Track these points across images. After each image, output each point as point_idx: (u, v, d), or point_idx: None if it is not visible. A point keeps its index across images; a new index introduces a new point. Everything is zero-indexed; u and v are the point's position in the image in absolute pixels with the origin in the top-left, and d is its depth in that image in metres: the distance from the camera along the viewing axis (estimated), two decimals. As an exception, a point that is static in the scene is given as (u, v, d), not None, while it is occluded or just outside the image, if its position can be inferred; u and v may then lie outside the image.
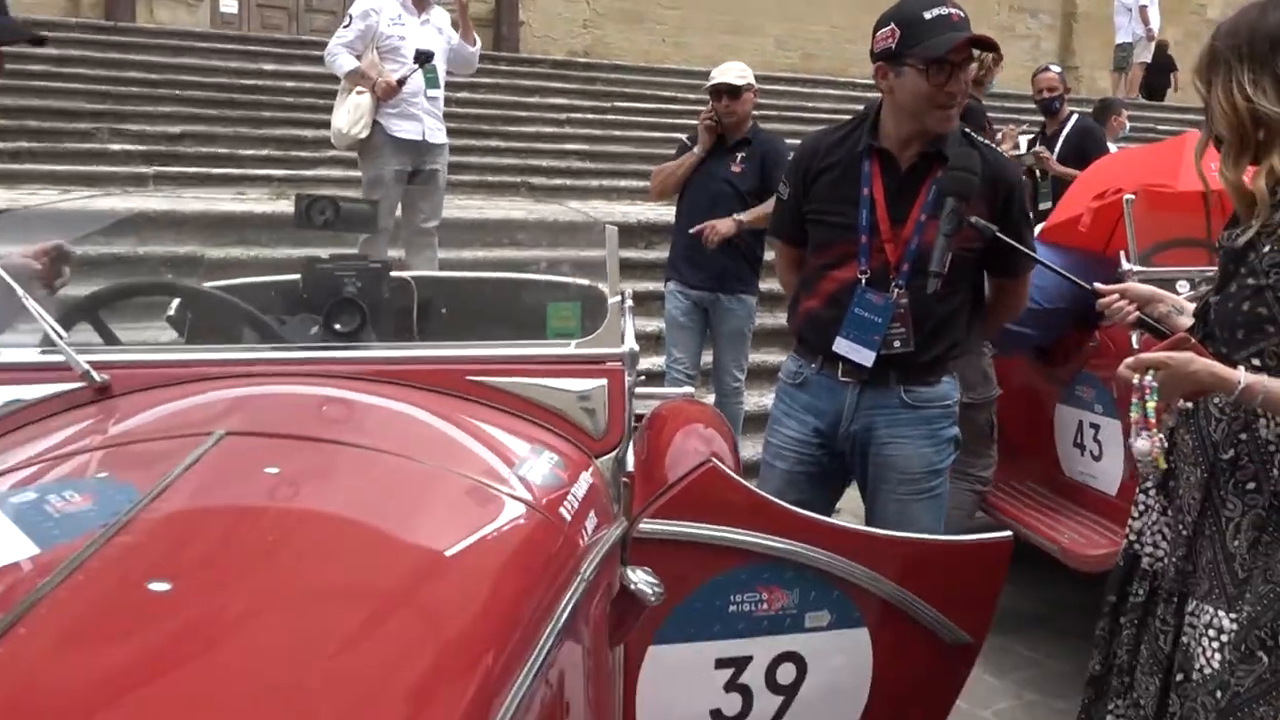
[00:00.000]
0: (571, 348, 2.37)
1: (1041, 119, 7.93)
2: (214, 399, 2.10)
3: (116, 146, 9.08)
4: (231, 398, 2.11)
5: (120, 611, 1.35)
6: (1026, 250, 3.17)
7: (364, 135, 6.63)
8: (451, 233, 6.87)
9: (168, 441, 1.88)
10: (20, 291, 2.26)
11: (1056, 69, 8.09)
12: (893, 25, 3.07)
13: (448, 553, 1.76)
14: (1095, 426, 4.52)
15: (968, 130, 3.31)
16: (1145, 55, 16.08)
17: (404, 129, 6.68)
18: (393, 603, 1.56)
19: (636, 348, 2.37)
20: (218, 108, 10.23)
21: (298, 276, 2.70)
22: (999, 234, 3.04)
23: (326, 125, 7.22)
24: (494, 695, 1.46)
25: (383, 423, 2.09)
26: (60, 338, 2.21)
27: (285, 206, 7.63)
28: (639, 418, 3.03)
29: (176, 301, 3.01)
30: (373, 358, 2.33)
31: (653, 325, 6.68)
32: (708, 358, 5.91)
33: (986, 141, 3.54)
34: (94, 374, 2.16)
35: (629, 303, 2.38)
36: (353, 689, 1.31)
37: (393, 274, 2.73)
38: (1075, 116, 7.73)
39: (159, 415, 2.05)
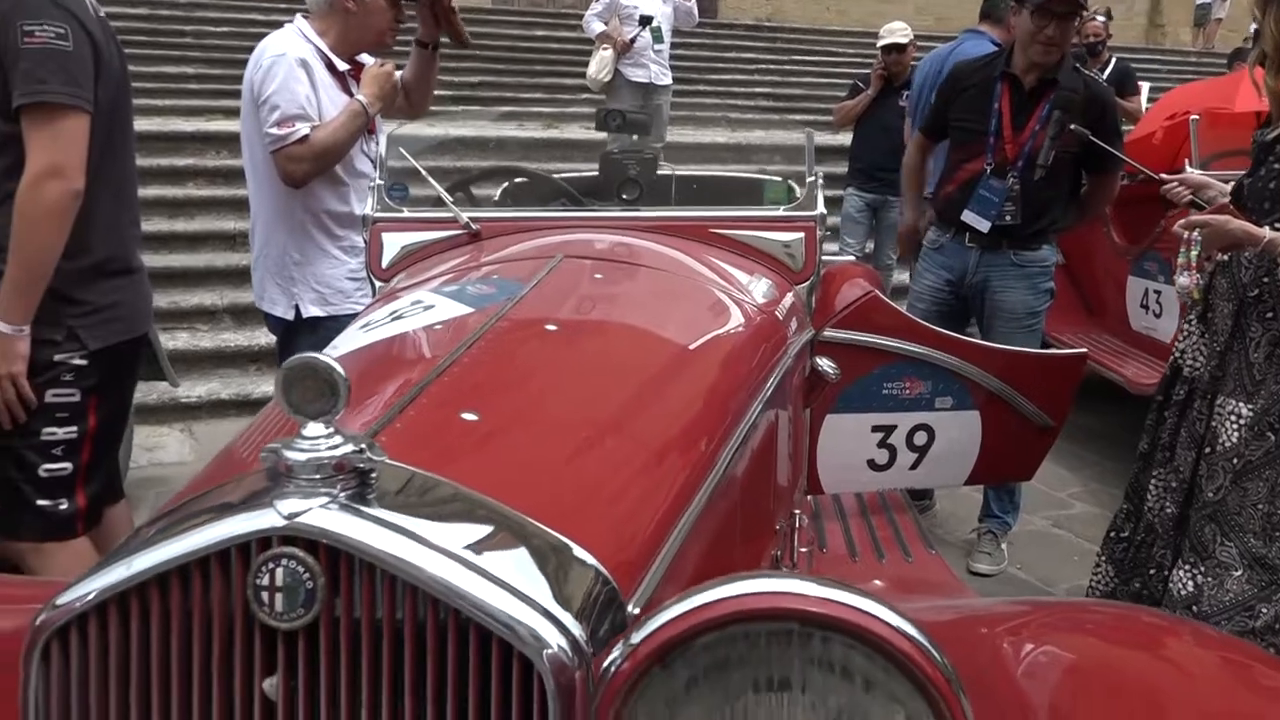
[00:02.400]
0: (780, 211, 2.45)
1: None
2: (551, 240, 2.31)
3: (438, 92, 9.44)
4: (561, 239, 2.33)
5: (514, 358, 1.53)
6: (1114, 151, 3.24)
7: (608, 79, 6.93)
8: (671, 152, 7.04)
9: (529, 261, 2.12)
10: (425, 172, 2.43)
11: (1102, 18, 7.59)
12: None
13: (705, 331, 1.92)
14: (1158, 292, 4.48)
15: (1077, 65, 3.39)
16: (1221, 12, 14.80)
17: (636, 74, 6.93)
18: (663, 362, 1.73)
19: (825, 212, 2.50)
20: (503, 64, 10.51)
21: (596, 169, 2.93)
22: (1093, 138, 3.12)
23: (582, 74, 7.48)
24: (732, 427, 1.63)
25: (659, 254, 2.25)
26: (450, 200, 2.41)
27: (555, 133, 7.92)
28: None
29: (506, 183, 3.29)
30: (648, 216, 2.43)
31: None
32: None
33: (1089, 73, 3.59)
34: (471, 224, 2.33)
35: (820, 181, 2.53)
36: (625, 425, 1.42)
37: (660, 160, 2.94)
38: (1115, 59, 7.33)
39: (519, 248, 2.25)
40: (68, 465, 2.25)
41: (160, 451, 4.58)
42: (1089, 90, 3.28)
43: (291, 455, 0.95)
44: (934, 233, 3.54)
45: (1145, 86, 7.17)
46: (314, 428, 0.97)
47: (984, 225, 3.30)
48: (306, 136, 2.71)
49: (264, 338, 5.41)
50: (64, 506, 2.26)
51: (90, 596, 0.96)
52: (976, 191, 3.31)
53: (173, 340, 5.30)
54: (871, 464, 2.70)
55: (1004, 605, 1.40)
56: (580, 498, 1.21)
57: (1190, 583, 2.49)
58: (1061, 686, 1.11)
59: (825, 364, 2.43)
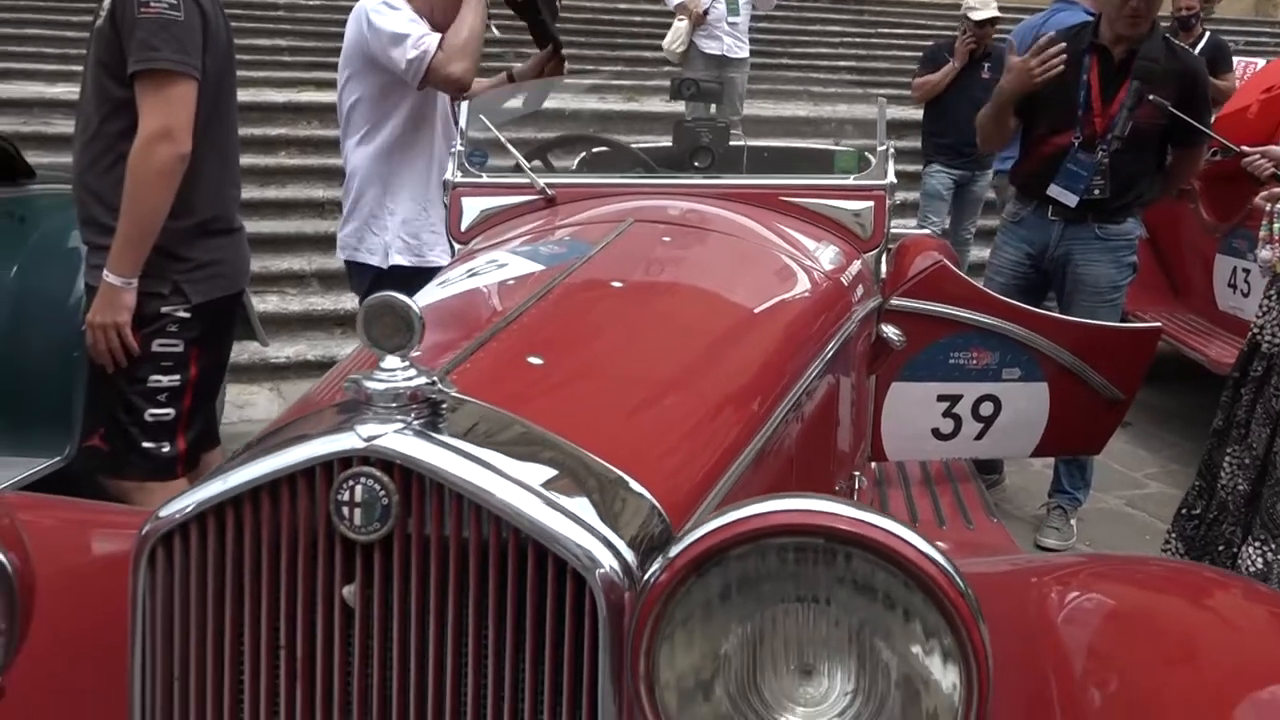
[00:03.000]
0: (850, 180, 2.46)
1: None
2: (624, 205, 2.37)
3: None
4: (633, 205, 2.39)
5: (581, 312, 1.59)
6: (1197, 124, 3.17)
7: (682, 50, 6.93)
8: (749, 125, 7.02)
9: (601, 225, 2.19)
10: (503, 140, 2.52)
11: None
12: None
13: (768, 294, 1.96)
14: (1246, 270, 4.36)
15: (1167, 36, 3.33)
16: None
17: (710, 46, 6.92)
18: (726, 322, 1.79)
19: (895, 181, 2.50)
20: (585, 35, 10.55)
21: (669, 140, 2.99)
22: (1173, 110, 3.07)
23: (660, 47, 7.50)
24: (789, 387, 1.67)
25: (728, 220, 2.29)
26: (527, 167, 2.47)
27: (634, 106, 7.96)
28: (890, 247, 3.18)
29: (583, 152, 3.37)
30: (720, 184, 2.46)
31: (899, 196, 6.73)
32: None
33: (1180, 44, 3.51)
34: (547, 190, 2.39)
35: (891, 151, 2.54)
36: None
37: (732, 131, 2.98)
38: (1208, 34, 7.04)
39: (592, 213, 2.31)
40: (171, 411, 2.41)
41: (250, 409, 4.80)
42: (1178, 62, 3.21)
43: (371, 385, 1.04)
44: (1014, 205, 3.51)
45: (1241, 63, 6.90)
46: (391, 361, 1.05)
47: (1072, 200, 3.26)
48: (440, 39, 2.81)
49: (349, 302, 5.60)
50: (166, 449, 2.42)
51: (189, 509, 1.07)
52: (1064, 166, 3.26)
53: (263, 303, 5.52)
54: (936, 433, 2.73)
55: (1060, 558, 1.44)
56: (638, 441, 1.28)
57: (1260, 559, 2.47)
58: (1102, 631, 1.15)
59: (891, 331, 2.46)
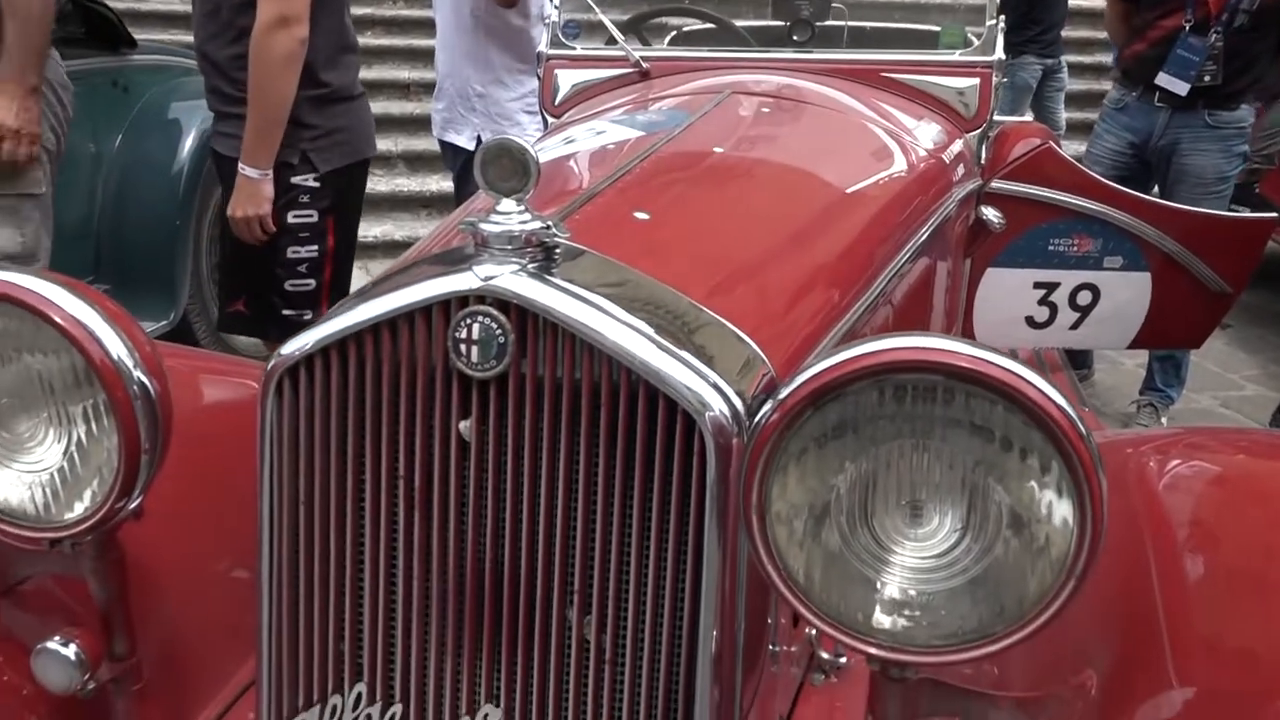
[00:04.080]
0: (956, 55, 2.40)
1: None
2: (721, 79, 2.35)
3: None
4: (730, 79, 2.36)
5: (681, 174, 1.60)
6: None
7: None
8: (852, 8, 6.79)
9: (697, 96, 2.17)
10: (598, 11, 2.45)
11: None
12: None
13: (865, 168, 1.94)
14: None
15: None
16: None
17: None
18: (825, 192, 1.77)
19: (1004, 58, 2.40)
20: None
21: (767, 14, 2.90)
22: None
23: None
24: (886, 261, 1.66)
25: (826, 95, 2.25)
26: (622, 39, 2.42)
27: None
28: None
29: (678, 26, 3.30)
30: (819, 59, 2.42)
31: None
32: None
33: None
34: (642, 63, 2.36)
35: (1001, 27, 2.44)
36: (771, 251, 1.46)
37: (833, 4, 2.89)
38: None
39: (687, 85, 2.29)
40: (311, 281, 2.51)
41: (340, 286, 4.90)
42: None
43: (487, 227, 1.06)
44: (1118, 91, 3.36)
45: None
46: (507, 204, 1.07)
47: (1182, 89, 3.11)
48: None
49: (435, 184, 5.66)
50: (307, 318, 2.52)
51: (313, 343, 1.11)
52: (1174, 51, 3.10)
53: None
54: (1030, 321, 2.67)
55: (1157, 431, 1.42)
56: (746, 299, 1.29)
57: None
58: (1204, 497, 1.14)
59: (991, 214, 2.40)
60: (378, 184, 5.82)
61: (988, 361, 0.82)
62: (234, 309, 2.58)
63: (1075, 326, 2.67)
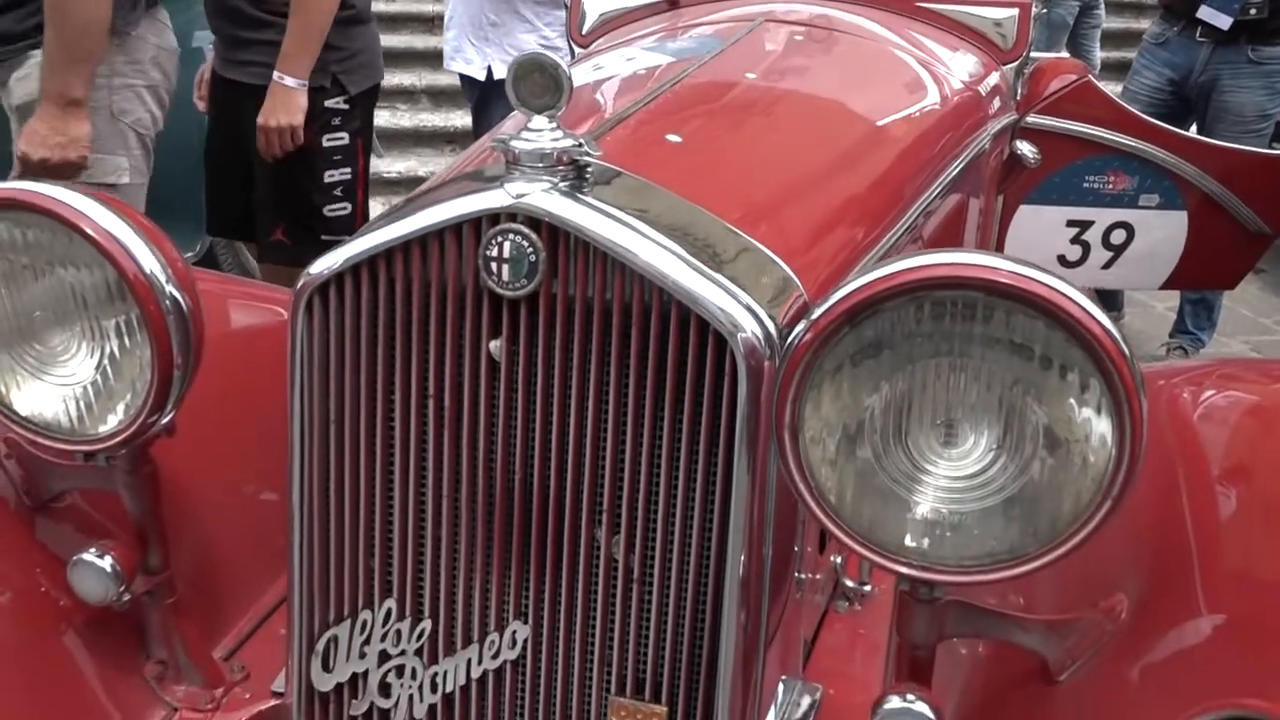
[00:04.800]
0: None
1: None
2: (752, 8, 2.27)
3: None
4: (763, 7, 2.32)
5: (713, 99, 1.58)
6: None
7: None
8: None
9: (729, 24, 2.14)
10: None
11: None
12: None
13: (898, 97, 1.91)
14: None
15: None
16: None
17: None
18: (858, 122, 1.74)
19: None
20: None
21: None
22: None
23: None
24: (920, 191, 1.65)
25: (861, 24, 2.18)
26: None
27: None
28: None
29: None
30: None
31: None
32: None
33: None
34: None
35: None
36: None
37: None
38: None
39: (719, 13, 2.25)
40: (347, 205, 2.52)
41: (364, 221, 4.90)
42: None
43: (519, 144, 1.05)
44: (1157, 26, 3.28)
45: None
46: (539, 121, 1.05)
47: (1225, 22, 3.03)
48: None
49: (459, 119, 5.61)
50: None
51: (342, 261, 1.11)
52: None
53: (375, 119, 5.55)
54: (1062, 259, 2.64)
55: (1189, 363, 1.40)
56: (782, 225, 1.27)
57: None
58: (1238, 428, 1.13)
59: (1026, 149, 2.36)
60: (401, 119, 5.78)
61: (1029, 277, 0.81)
62: (274, 238, 2.59)
63: (1108, 266, 2.64)
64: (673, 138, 1.33)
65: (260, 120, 2.40)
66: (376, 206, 5.15)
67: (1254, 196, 2.54)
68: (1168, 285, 2.74)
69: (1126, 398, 0.81)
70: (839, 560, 1.39)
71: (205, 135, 2.77)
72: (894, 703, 0.98)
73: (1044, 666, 1.02)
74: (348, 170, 2.49)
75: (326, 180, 2.48)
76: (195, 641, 1.27)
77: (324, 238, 2.50)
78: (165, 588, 1.24)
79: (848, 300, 0.85)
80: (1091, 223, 2.58)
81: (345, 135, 2.48)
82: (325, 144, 2.45)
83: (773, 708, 1.20)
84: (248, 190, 2.59)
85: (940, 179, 1.77)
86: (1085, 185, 2.54)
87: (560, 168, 1.05)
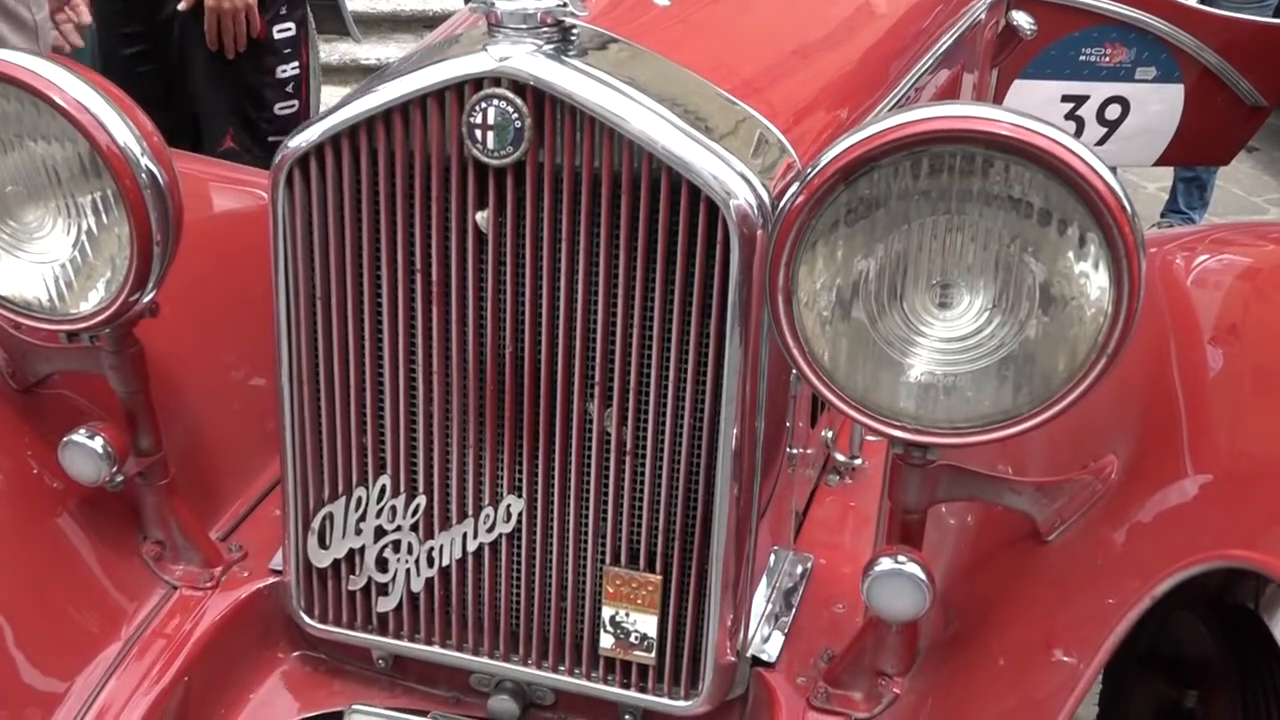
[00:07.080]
0: None
1: None
2: None
3: None
4: None
5: None
6: None
7: None
8: None
9: None
10: None
11: None
12: None
13: None
14: None
15: None
16: None
17: None
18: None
19: None
20: None
21: None
22: None
23: None
24: (910, 65, 1.59)
25: None
26: None
27: None
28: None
29: None
30: None
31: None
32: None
33: None
34: None
35: None
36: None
37: None
38: None
39: None
40: (295, 103, 2.43)
41: (343, 109, 4.78)
42: None
43: (502, 5, 1.01)
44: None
45: None
46: (521, -21, 1.01)
47: None
48: None
49: (438, 4, 5.43)
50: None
51: (321, 132, 1.07)
52: None
53: (352, 2, 5.36)
54: (1054, 125, 2.60)
55: (1179, 230, 1.39)
56: (774, 95, 1.24)
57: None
58: (1231, 290, 1.13)
59: (1022, 19, 2.30)
60: (378, 2, 5.59)
61: (1030, 130, 0.79)
62: (224, 146, 2.49)
63: (1102, 142, 2.60)
64: (662, 1, 1.29)
65: (209, 2, 2.25)
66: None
67: (1252, 68, 2.49)
68: (1162, 161, 2.70)
69: (1125, 250, 0.80)
70: (830, 435, 1.40)
71: (95, 49, 2.44)
72: (885, 564, 0.99)
73: (1033, 529, 1.04)
74: (295, 64, 2.40)
75: (278, 75, 2.38)
76: (191, 522, 1.28)
77: (271, 139, 2.40)
78: (158, 469, 1.24)
79: (843, 157, 0.83)
80: (1087, 97, 2.53)
81: (292, 25, 2.37)
82: (276, 35, 2.34)
83: (764, 577, 1.23)
84: (167, 108, 2.36)
85: (933, 51, 1.73)
86: (1081, 58, 2.48)
87: (545, 29, 1.01)
